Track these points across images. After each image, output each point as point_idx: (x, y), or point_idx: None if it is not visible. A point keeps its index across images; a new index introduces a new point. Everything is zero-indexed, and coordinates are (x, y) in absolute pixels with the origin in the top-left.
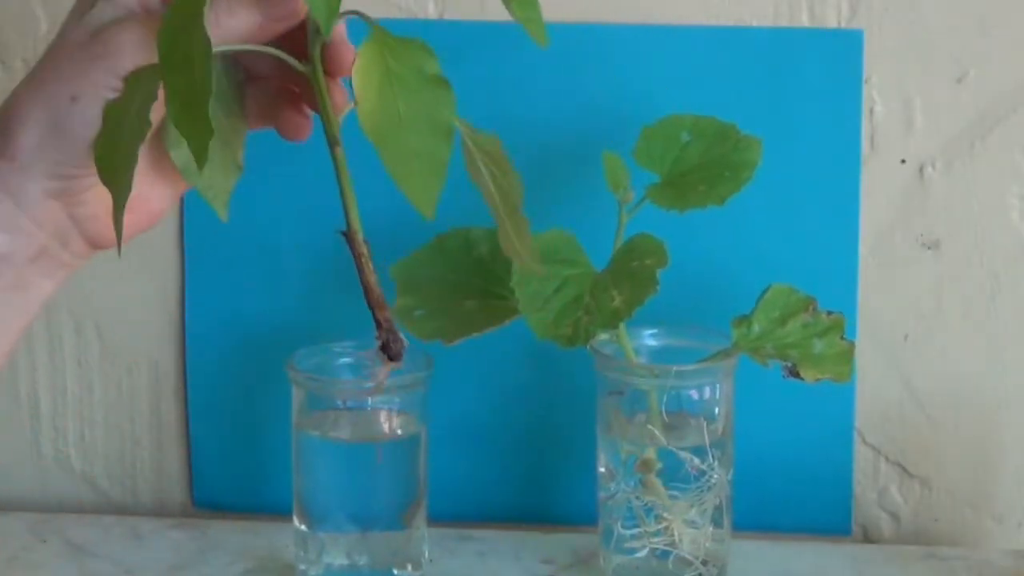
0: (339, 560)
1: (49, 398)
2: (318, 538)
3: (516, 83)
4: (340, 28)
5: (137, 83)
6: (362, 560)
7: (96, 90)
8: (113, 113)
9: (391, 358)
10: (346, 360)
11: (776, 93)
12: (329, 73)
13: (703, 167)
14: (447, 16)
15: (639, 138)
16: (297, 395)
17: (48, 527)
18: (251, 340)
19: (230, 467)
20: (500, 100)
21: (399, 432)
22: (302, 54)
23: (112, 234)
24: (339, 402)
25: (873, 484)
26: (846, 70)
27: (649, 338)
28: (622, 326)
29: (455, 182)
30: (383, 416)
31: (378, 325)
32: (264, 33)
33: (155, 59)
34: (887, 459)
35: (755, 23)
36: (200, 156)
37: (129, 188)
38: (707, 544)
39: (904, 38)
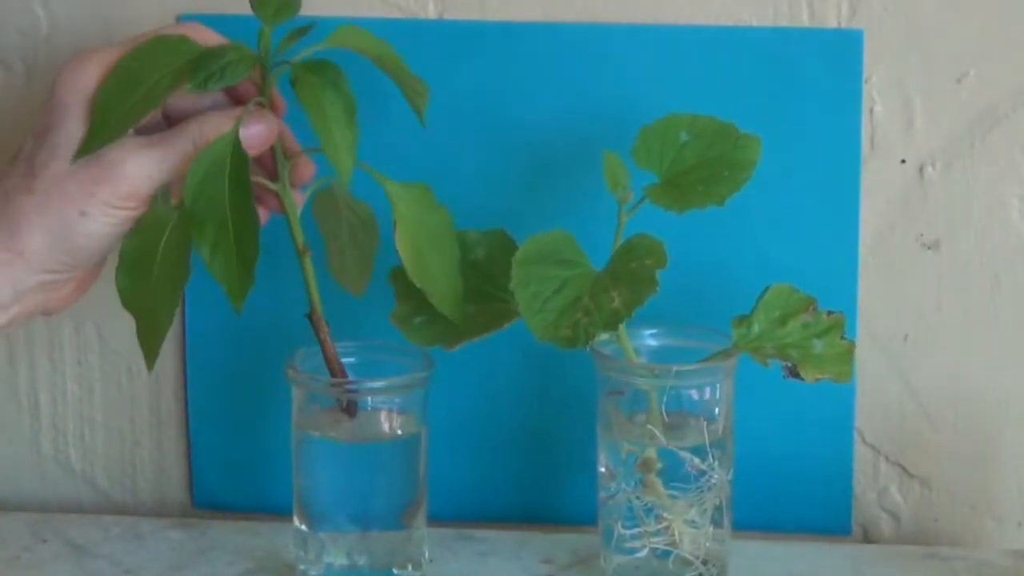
0: (339, 560)
1: (49, 398)
2: (318, 538)
3: (516, 83)
4: (297, 144)
5: (154, 225)
6: (362, 560)
7: (102, 208)
8: (133, 251)
9: (350, 416)
10: (347, 360)
11: (776, 93)
12: (292, 185)
13: (702, 167)
14: (447, 16)
15: (637, 138)
16: (298, 395)
17: (48, 527)
18: (251, 340)
19: (230, 467)
20: (500, 100)
21: (399, 432)
22: (269, 170)
23: (62, 306)
24: (340, 402)
25: (873, 484)
26: (846, 70)
27: (649, 338)
28: (622, 326)
29: (453, 188)
30: (383, 416)
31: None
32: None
33: (154, 180)
34: (887, 459)
35: (755, 23)
36: (237, 303)
37: (169, 323)
38: (707, 544)
39: (904, 38)
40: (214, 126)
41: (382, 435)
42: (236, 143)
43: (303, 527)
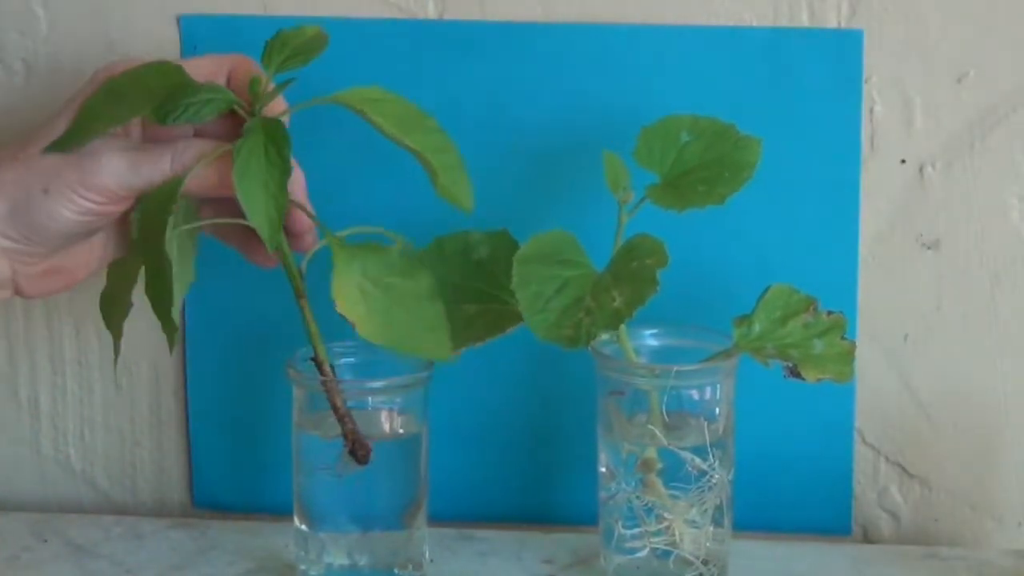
0: (340, 560)
1: (49, 398)
2: (319, 538)
3: (516, 83)
4: (298, 192)
5: (122, 266)
6: (363, 560)
7: (66, 191)
8: (115, 274)
9: (359, 462)
10: (347, 360)
11: (776, 93)
12: (294, 234)
13: (703, 167)
14: (447, 16)
15: (639, 138)
16: (298, 395)
17: (49, 527)
18: (251, 340)
19: (230, 467)
20: (500, 100)
21: (400, 432)
22: None
23: (37, 291)
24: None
25: (873, 484)
26: (846, 70)
27: (650, 338)
28: (622, 326)
29: None
30: (384, 416)
31: (345, 436)
32: (221, 192)
33: (122, 180)
34: (887, 459)
35: (755, 23)
36: (170, 339)
37: (119, 335)
38: (708, 544)
39: (904, 38)
40: (196, 150)
41: (382, 435)
42: (177, 187)
43: (304, 527)
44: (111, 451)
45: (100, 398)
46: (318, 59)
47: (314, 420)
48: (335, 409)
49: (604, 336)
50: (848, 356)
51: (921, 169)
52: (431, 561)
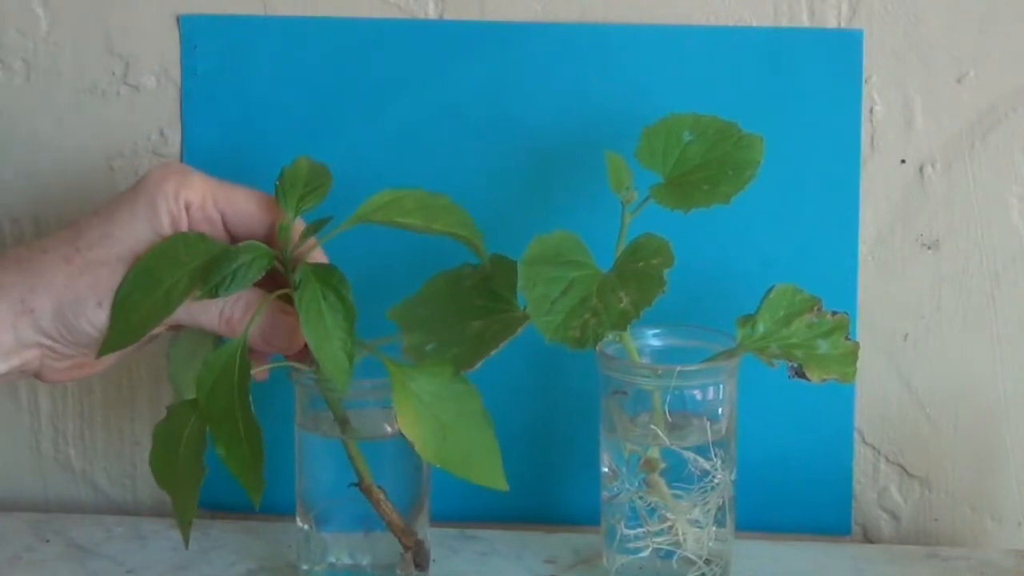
0: (342, 560)
1: (49, 398)
2: (321, 538)
3: (516, 83)
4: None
5: (180, 416)
6: (365, 560)
7: None
8: (163, 436)
9: (419, 568)
10: None
11: (776, 93)
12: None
13: (705, 166)
14: (447, 16)
15: (640, 138)
16: (299, 395)
17: (51, 527)
18: None
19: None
20: (500, 100)
21: (402, 432)
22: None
23: (57, 379)
24: (406, 550)
25: (873, 484)
26: (846, 70)
27: (653, 338)
28: None
29: (452, 189)
30: (385, 416)
31: (406, 548)
32: (291, 347)
33: (176, 318)
34: (887, 459)
35: (755, 23)
36: (254, 497)
37: (193, 510)
38: (710, 544)
39: (904, 38)
40: (244, 300)
41: (385, 434)
42: (244, 351)
43: (306, 527)
44: (111, 451)
45: (100, 398)
46: (318, 60)
47: (316, 420)
48: (392, 525)
49: (608, 336)
50: (852, 357)
51: (921, 169)
52: (433, 561)
